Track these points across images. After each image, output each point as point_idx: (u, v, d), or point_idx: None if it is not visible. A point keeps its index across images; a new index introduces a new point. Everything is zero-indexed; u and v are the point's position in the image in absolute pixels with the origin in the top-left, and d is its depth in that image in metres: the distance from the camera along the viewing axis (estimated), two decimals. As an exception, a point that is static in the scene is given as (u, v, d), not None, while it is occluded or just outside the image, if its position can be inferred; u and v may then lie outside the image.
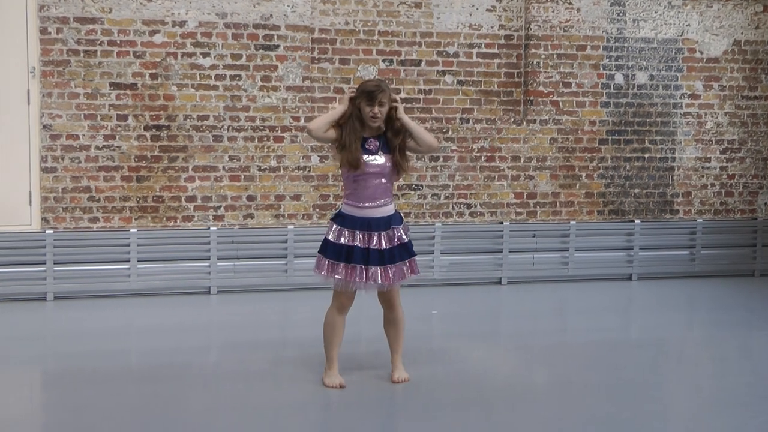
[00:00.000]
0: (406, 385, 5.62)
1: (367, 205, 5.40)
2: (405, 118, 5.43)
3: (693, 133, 9.52)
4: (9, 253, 7.93)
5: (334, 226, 5.46)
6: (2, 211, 8.04)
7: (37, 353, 6.58)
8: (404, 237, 5.50)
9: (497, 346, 7.12)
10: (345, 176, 5.47)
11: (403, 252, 5.48)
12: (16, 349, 6.59)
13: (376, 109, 5.31)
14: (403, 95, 8.74)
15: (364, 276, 5.36)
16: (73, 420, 5.07)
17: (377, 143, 5.41)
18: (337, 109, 5.42)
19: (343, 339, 5.61)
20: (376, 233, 5.40)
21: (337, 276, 5.40)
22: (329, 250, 5.43)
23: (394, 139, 5.41)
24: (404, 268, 5.50)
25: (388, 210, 5.47)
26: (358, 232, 5.39)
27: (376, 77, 8.41)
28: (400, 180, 5.99)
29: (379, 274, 5.37)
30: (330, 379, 5.55)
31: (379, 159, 5.39)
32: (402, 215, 5.65)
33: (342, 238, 5.40)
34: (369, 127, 5.38)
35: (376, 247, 5.38)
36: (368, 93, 5.33)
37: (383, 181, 5.43)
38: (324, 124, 5.35)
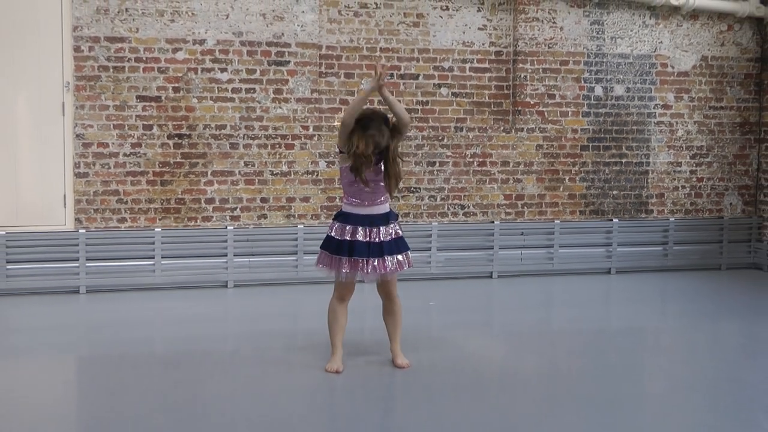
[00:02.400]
0: (407, 371, 5.60)
1: (368, 203, 5.41)
2: (387, 93, 5.36)
3: (665, 140, 9.49)
4: (46, 250, 7.90)
5: (337, 224, 5.46)
6: (39, 213, 8.02)
7: (71, 341, 6.56)
8: (399, 232, 5.55)
9: (490, 335, 7.10)
10: (347, 179, 5.42)
11: (400, 245, 5.51)
12: (53, 337, 6.58)
13: (372, 139, 5.26)
14: (402, 106, 8.67)
15: (367, 267, 5.36)
16: (105, 401, 5.06)
17: (376, 159, 5.37)
18: (366, 90, 5.36)
19: (346, 327, 5.60)
20: (377, 228, 5.41)
21: (343, 270, 5.39)
22: (332, 246, 5.43)
23: (390, 162, 5.36)
24: (401, 259, 5.50)
25: (386, 207, 5.50)
26: (360, 227, 5.39)
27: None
28: (400, 185, 5.93)
29: (380, 264, 5.38)
30: (330, 365, 5.54)
31: (380, 167, 5.39)
32: (396, 213, 5.66)
33: (345, 234, 5.40)
34: None
35: (377, 240, 5.39)
36: (365, 125, 5.30)
37: (381, 183, 5.42)
38: (355, 112, 5.29)
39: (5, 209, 7.94)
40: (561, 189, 9.21)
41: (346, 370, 5.54)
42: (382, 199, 5.47)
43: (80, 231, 7.98)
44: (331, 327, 5.59)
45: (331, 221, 5.62)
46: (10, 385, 5.44)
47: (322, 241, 5.55)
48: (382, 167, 5.37)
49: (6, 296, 7.77)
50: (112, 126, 8.07)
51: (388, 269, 5.41)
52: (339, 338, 5.58)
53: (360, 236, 5.38)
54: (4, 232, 7.83)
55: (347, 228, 5.41)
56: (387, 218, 5.48)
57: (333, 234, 5.45)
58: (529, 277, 8.98)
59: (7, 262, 7.82)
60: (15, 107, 7.94)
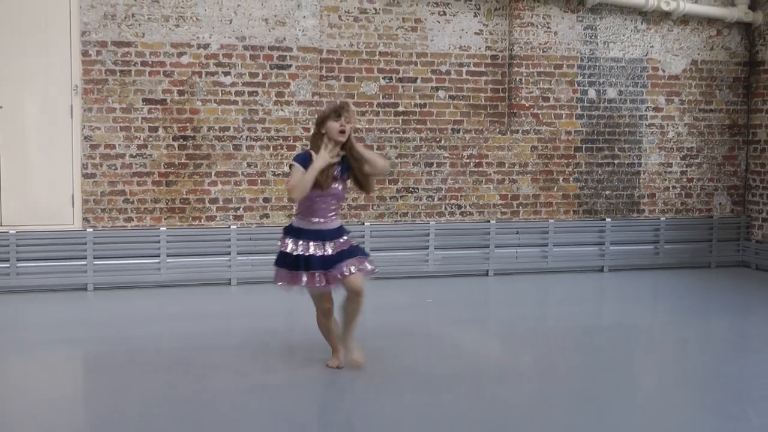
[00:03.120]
0: (407, 365, 5.59)
1: (319, 220, 5.25)
2: (360, 148, 5.32)
3: (657, 142, 9.51)
4: (54, 249, 7.91)
5: (289, 240, 5.28)
6: (48, 212, 8.02)
7: (79, 336, 6.58)
8: (353, 242, 5.35)
9: (486, 331, 7.12)
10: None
11: (354, 250, 5.30)
12: (61, 333, 6.61)
13: (343, 120, 5.18)
14: (401, 108, 8.73)
15: (324, 280, 5.20)
16: (112, 395, 5.07)
17: (339, 169, 5.27)
18: (316, 164, 5.12)
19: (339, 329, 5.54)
20: (329, 242, 5.23)
21: (301, 284, 5.22)
22: (288, 262, 5.25)
23: (355, 164, 5.28)
24: (359, 259, 5.26)
25: (337, 224, 5.32)
26: (312, 242, 5.21)
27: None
28: (372, 193, 5.83)
29: (338, 271, 5.17)
30: (331, 362, 5.55)
31: (337, 185, 5.27)
32: (348, 230, 5.44)
33: (299, 249, 5.22)
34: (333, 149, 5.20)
35: (329, 253, 5.20)
36: (335, 110, 5.23)
37: (335, 202, 5.30)
38: (307, 188, 5.11)
39: (16, 209, 7.95)
40: (555, 189, 9.22)
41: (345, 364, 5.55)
42: (333, 215, 5.30)
43: (88, 230, 7.99)
44: (324, 335, 5.57)
45: (281, 237, 5.38)
46: (19, 380, 5.45)
47: (276, 258, 5.36)
48: (337, 186, 5.25)
49: (16, 293, 7.78)
50: (118, 128, 8.07)
51: (349, 272, 5.18)
52: (333, 341, 5.54)
53: (313, 250, 5.20)
54: (14, 231, 7.84)
55: (300, 243, 5.23)
56: (339, 233, 5.30)
57: (288, 250, 5.26)
58: (525, 275, 8.99)
59: (18, 260, 7.83)
60: (25, 110, 7.95)
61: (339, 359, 5.53)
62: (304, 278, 5.21)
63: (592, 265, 9.30)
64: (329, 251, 5.21)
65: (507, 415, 4.84)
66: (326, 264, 5.19)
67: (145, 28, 8.07)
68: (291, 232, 5.33)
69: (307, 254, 5.20)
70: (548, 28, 9.06)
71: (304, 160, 5.22)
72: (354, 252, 5.30)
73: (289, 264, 5.26)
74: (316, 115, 8.42)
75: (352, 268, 5.20)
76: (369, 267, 5.32)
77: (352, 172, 5.34)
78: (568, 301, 8.12)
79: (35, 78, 7.92)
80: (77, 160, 8.04)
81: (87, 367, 6.01)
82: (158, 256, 8.12)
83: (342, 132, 5.19)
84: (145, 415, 4.73)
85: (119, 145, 8.08)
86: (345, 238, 5.33)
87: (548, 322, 7.60)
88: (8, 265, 7.81)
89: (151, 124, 8.14)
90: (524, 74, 9.03)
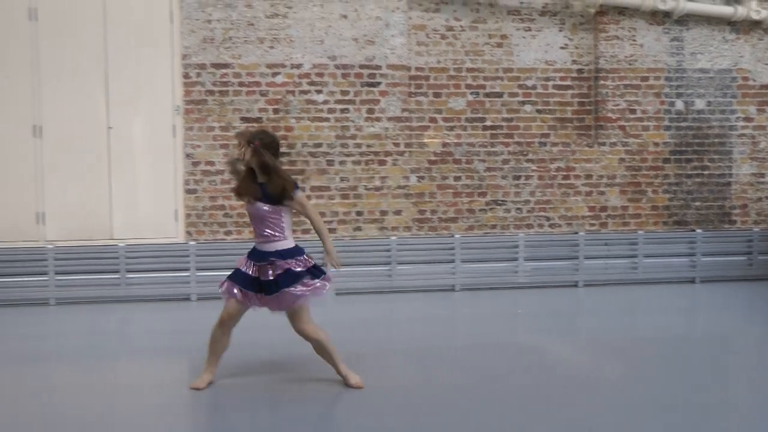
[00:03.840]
0: (491, 376, 5.53)
1: (258, 239, 5.15)
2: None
3: (748, 152, 9.24)
4: (160, 260, 8.18)
5: (244, 256, 5.24)
6: (153, 226, 8.31)
7: (184, 344, 6.67)
8: (293, 268, 5.06)
9: (575, 341, 7.00)
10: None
11: (288, 279, 5.04)
12: (168, 341, 6.80)
13: (243, 147, 5.10)
14: (488, 123, 8.74)
15: (257, 301, 5.12)
16: (216, 398, 5.15)
17: (262, 190, 5.10)
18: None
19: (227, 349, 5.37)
20: (267, 264, 5.08)
21: (233, 296, 5.13)
22: (239, 276, 5.15)
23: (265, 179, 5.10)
24: (289, 295, 5.03)
25: (277, 246, 5.10)
26: (254, 262, 5.13)
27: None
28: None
29: (266, 301, 5.09)
30: (194, 382, 5.31)
31: (260, 205, 5.09)
32: (299, 249, 5.18)
33: (242, 265, 5.18)
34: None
35: (266, 277, 5.06)
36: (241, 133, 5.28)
37: (268, 223, 5.09)
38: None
39: (125, 223, 8.26)
40: (644, 201, 9.05)
41: (443, 376, 5.51)
42: (266, 236, 5.09)
43: (190, 243, 8.23)
44: (209, 347, 5.34)
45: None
46: (131, 384, 5.64)
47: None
48: (260, 205, 5.08)
49: (126, 302, 8.07)
50: (218, 145, 8.31)
51: (264, 305, 5.11)
52: (215, 359, 5.33)
53: (251, 271, 5.12)
54: (123, 244, 8.14)
55: (247, 261, 5.17)
56: (280, 255, 5.08)
57: (238, 265, 5.22)
58: (614, 286, 8.84)
59: (127, 272, 8.11)
60: (132, 130, 8.27)
61: (204, 378, 5.30)
62: (235, 291, 5.11)
63: (683, 276, 9.08)
64: (264, 275, 5.05)
65: (597, 427, 4.71)
66: (259, 287, 5.07)
67: (241, 50, 8.31)
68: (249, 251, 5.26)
69: (244, 271, 5.13)
70: (634, 40, 8.94)
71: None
72: (287, 280, 5.03)
73: (236, 277, 5.15)
74: (406, 131, 8.54)
75: (278, 304, 5.05)
76: (293, 295, 5.03)
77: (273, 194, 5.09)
78: (659, 312, 7.93)
79: (141, 100, 8.25)
80: (180, 177, 8.30)
81: (192, 371, 6.12)
82: (256, 267, 8.26)
83: (240, 156, 5.13)
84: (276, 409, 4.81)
85: (218, 161, 8.31)
86: (287, 262, 5.06)
87: (638, 332, 7.42)
88: (118, 276, 8.11)
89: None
90: (610, 87, 8.92)
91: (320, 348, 5.25)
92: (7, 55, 8.05)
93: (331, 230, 8.50)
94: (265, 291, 5.07)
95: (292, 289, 5.01)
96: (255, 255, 5.15)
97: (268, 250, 5.09)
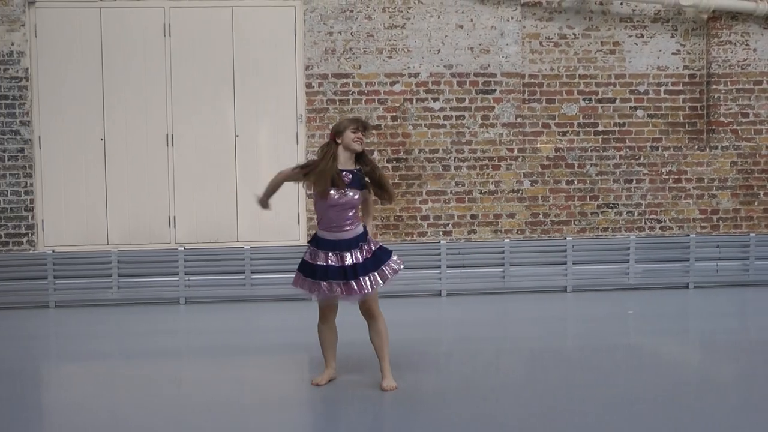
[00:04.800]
0: (606, 376, 5.52)
1: (336, 229, 5.15)
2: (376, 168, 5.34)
3: None
4: (282, 262, 8.35)
5: (311, 248, 5.25)
6: (277, 229, 8.62)
7: (308, 342, 6.85)
8: (372, 247, 5.18)
9: (686, 342, 6.96)
10: (317, 205, 5.24)
11: (371, 264, 5.13)
12: (292, 338, 6.86)
13: (360, 133, 5.17)
14: (600, 128, 8.81)
15: (340, 290, 5.11)
16: (333, 393, 5.31)
17: (350, 177, 5.16)
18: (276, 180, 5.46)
19: (338, 343, 5.44)
20: (346, 252, 5.13)
21: (316, 292, 5.19)
22: (307, 269, 5.23)
23: (371, 173, 5.25)
24: (373, 279, 5.10)
25: (353, 233, 5.17)
26: (330, 252, 5.14)
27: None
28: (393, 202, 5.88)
29: (353, 286, 5.08)
30: (315, 378, 5.42)
31: (350, 193, 5.14)
32: (367, 231, 5.28)
33: (318, 259, 5.18)
34: (343, 161, 5.19)
35: (349, 263, 5.10)
36: (355, 120, 5.29)
37: (351, 211, 5.16)
38: (274, 187, 5.49)
39: (250, 226, 8.60)
40: (756, 204, 8.99)
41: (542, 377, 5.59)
42: (348, 224, 5.15)
43: (313, 245, 8.49)
44: (321, 345, 5.43)
45: (307, 244, 5.39)
46: (258, 379, 5.78)
47: (299, 263, 5.33)
48: (350, 193, 5.14)
49: (251, 302, 8.40)
50: (339, 152, 8.55)
51: (361, 291, 5.08)
52: (327, 354, 5.40)
53: (332, 261, 5.13)
54: (248, 247, 8.48)
55: (320, 253, 5.18)
56: (356, 242, 5.14)
57: (307, 258, 5.25)
58: (726, 288, 8.80)
59: (252, 272, 8.45)
60: (258, 137, 8.61)
61: (324, 375, 5.38)
62: (324, 286, 5.14)
63: (798, 279, 8.97)
64: (349, 261, 5.11)
65: (710, 428, 4.58)
66: (343, 274, 5.11)
67: (361, 61, 8.55)
68: (312, 241, 5.29)
69: (326, 264, 5.14)
70: (747, 45, 8.88)
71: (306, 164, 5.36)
72: (377, 260, 5.15)
73: (307, 272, 5.23)
74: (520, 137, 8.66)
75: (370, 285, 5.09)
76: (392, 269, 5.18)
77: (371, 184, 5.26)
78: (774, 314, 7.87)
79: (266, 109, 8.57)
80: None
81: (312, 368, 6.10)
82: (374, 269, 8.47)
83: (359, 141, 5.18)
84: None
85: (340, 167, 8.55)
86: (366, 246, 5.18)
87: (751, 334, 7.36)
88: (244, 277, 8.46)
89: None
90: (723, 91, 8.88)
91: (378, 333, 5.23)
92: (145, 68, 8.47)
93: (447, 233, 8.70)
94: (358, 274, 5.06)
95: (391, 261, 5.15)
96: (329, 245, 5.13)
97: (347, 237, 5.13)
